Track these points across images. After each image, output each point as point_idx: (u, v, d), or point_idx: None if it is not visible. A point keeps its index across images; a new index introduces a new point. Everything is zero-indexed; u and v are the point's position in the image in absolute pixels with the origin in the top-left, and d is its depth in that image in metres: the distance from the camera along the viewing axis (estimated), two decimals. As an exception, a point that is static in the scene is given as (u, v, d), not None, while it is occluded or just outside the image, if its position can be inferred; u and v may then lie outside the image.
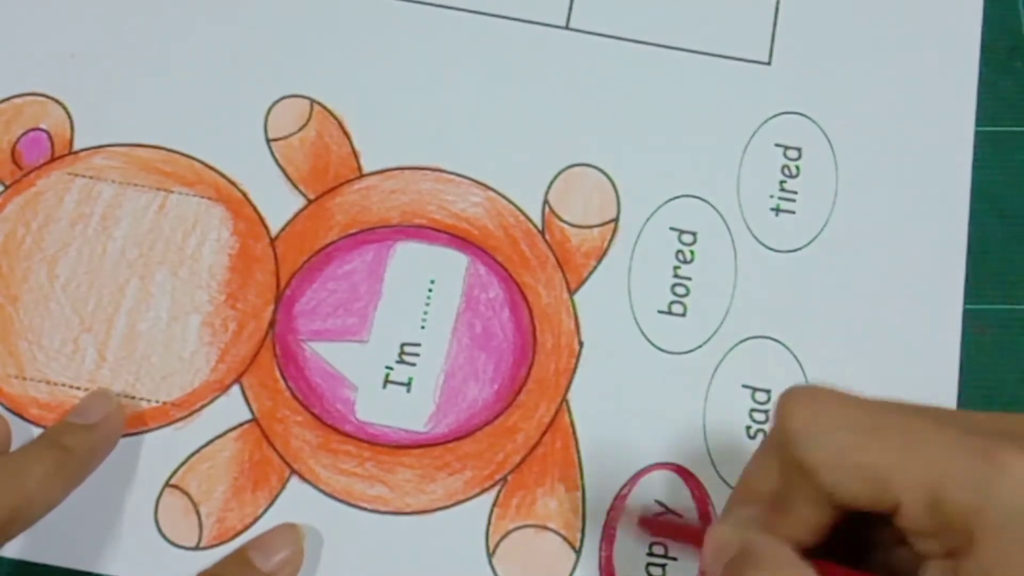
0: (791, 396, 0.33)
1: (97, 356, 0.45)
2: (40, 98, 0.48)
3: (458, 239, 0.47)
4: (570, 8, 0.51)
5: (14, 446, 0.43)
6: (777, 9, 0.51)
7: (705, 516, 0.44)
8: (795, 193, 0.48)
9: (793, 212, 0.48)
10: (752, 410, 0.45)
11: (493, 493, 0.44)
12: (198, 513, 0.43)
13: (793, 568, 0.32)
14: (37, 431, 0.44)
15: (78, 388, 0.45)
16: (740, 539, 0.34)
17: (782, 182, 0.48)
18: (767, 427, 0.45)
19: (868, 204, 0.48)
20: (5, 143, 0.48)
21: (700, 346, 0.46)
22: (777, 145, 0.49)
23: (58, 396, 0.45)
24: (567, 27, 0.50)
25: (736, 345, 0.46)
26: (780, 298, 0.47)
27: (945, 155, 0.49)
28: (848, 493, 0.31)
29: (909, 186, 0.48)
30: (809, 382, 0.46)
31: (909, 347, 0.46)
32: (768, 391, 0.46)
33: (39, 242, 0.46)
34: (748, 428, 0.45)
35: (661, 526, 0.43)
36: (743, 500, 0.36)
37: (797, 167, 0.49)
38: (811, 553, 0.32)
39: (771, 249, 0.48)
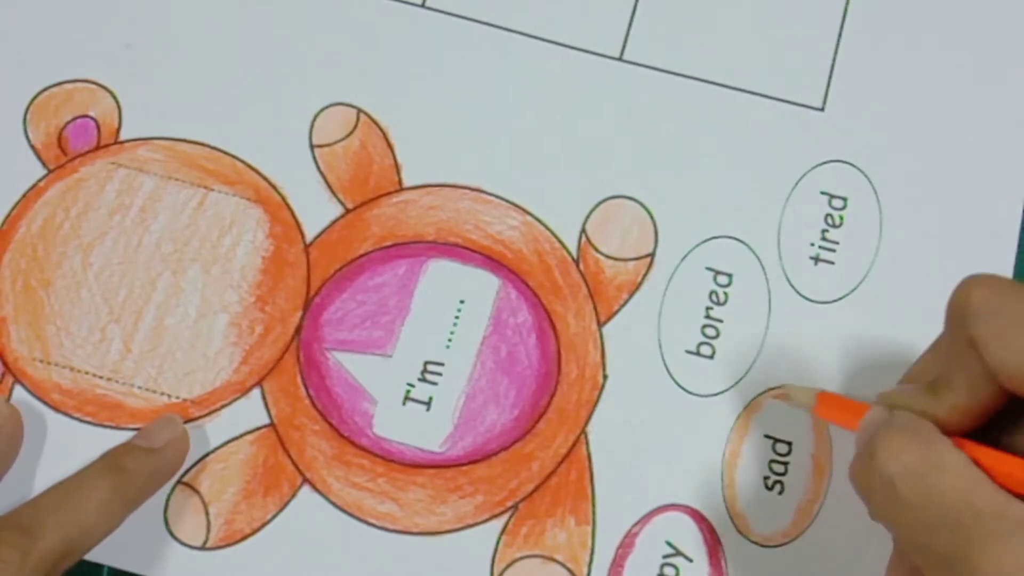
0: (971, 278, 0.34)
1: (123, 347, 0.45)
2: (91, 85, 0.49)
3: (492, 261, 0.47)
4: (626, 40, 0.50)
5: (27, 431, 0.43)
6: (835, 56, 0.50)
7: (716, 563, 0.44)
8: (836, 243, 0.48)
9: (832, 263, 0.47)
10: (771, 461, 0.45)
11: (503, 520, 0.44)
12: (207, 513, 0.43)
13: (924, 432, 0.33)
14: (56, 416, 0.44)
15: (101, 377, 0.45)
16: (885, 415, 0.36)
17: (824, 231, 0.48)
18: (785, 479, 0.44)
19: (910, 261, 0.47)
20: (53, 127, 0.48)
21: (725, 390, 0.46)
22: (823, 193, 0.48)
23: (80, 383, 0.45)
24: (621, 58, 0.50)
25: (762, 393, 0.46)
26: (811, 349, 0.46)
27: (993, 221, 0.48)
28: (1011, 373, 0.32)
29: (954, 247, 0.48)
30: (832, 440, 0.45)
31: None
32: (789, 443, 0.45)
33: (76, 229, 0.47)
34: (766, 479, 0.44)
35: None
36: (910, 379, 0.37)
37: (841, 217, 0.48)
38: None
39: (806, 298, 0.47)
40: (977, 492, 0.31)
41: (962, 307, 0.34)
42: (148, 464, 0.42)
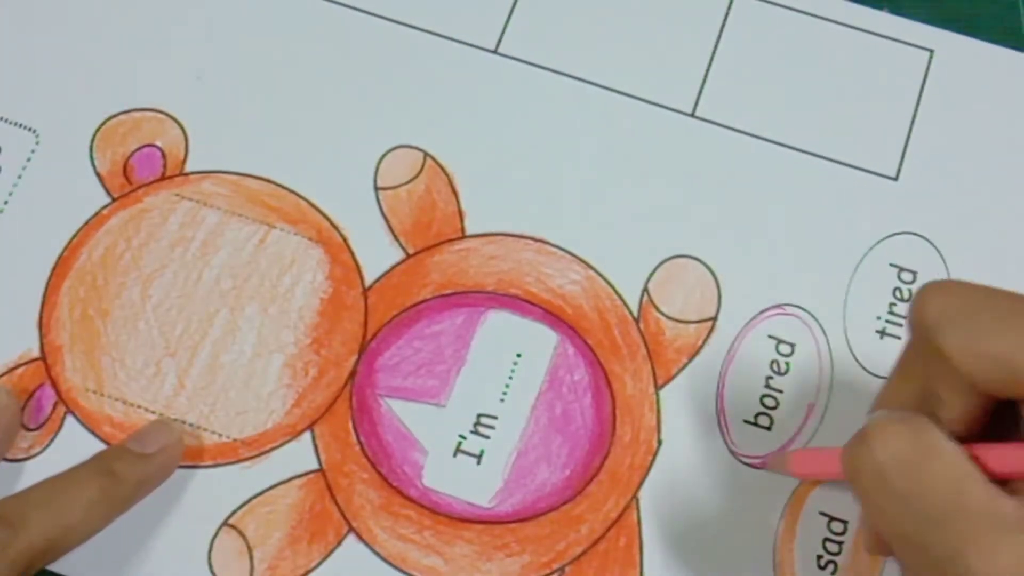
0: (928, 287, 0.33)
1: (177, 382, 0.45)
2: (160, 115, 0.49)
3: (551, 315, 0.46)
4: (699, 96, 0.49)
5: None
6: (912, 125, 0.49)
7: (762, 640, 0.43)
8: (903, 318, 0.47)
9: (898, 337, 0.46)
10: (826, 539, 0.44)
11: (548, 582, 0.43)
12: (251, 557, 0.43)
13: (917, 422, 0.32)
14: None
15: (153, 412, 0.45)
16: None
17: (892, 304, 0.47)
18: (839, 559, 0.43)
19: (978, 341, 0.46)
20: (119, 155, 0.48)
21: (782, 463, 0.45)
22: (892, 265, 0.47)
23: (132, 417, 0.45)
24: (693, 115, 0.49)
25: (820, 468, 0.45)
26: (872, 425, 0.45)
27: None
28: (984, 379, 0.32)
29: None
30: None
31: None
32: (845, 522, 0.44)
33: (137, 260, 0.46)
34: (819, 557, 0.44)
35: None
36: (886, 404, 0.36)
37: (910, 291, 0.47)
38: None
39: (870, 373, 0.46)
40: (968, 485, 0.31)
41: (923, 320, 0.33)
42: (138, 470, 0.41)
